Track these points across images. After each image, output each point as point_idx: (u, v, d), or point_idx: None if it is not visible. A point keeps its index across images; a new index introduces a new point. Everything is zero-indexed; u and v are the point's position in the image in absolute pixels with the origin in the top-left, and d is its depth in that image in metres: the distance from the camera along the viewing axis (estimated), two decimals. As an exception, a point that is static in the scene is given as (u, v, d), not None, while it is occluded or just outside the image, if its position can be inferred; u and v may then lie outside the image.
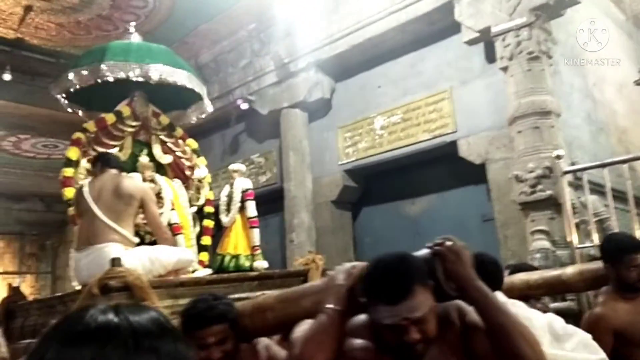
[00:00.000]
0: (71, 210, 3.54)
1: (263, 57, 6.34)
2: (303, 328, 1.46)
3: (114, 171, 3.26)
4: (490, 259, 2.10)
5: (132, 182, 3.32)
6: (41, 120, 7.50)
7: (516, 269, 2.78)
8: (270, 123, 6.31)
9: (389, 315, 1.27)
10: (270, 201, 6.32)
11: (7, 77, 6.32)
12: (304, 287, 1.82)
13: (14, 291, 3.40)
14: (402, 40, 5.27)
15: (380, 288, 1.30)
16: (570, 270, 2.66)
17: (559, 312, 2.60)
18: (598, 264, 2.54)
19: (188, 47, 6.64)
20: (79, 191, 3.27)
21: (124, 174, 3.37)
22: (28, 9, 5.74)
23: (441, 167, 5.25)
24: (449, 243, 1.38)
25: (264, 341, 1.96)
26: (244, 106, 6.34)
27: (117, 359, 0.59)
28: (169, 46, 6.47)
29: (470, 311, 1.38)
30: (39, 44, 6.47)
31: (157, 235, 3.36)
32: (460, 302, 1.42)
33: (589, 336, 1.84)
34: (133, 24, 4.38)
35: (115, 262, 2.43)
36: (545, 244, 3.91)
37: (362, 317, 1.41)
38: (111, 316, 0.63)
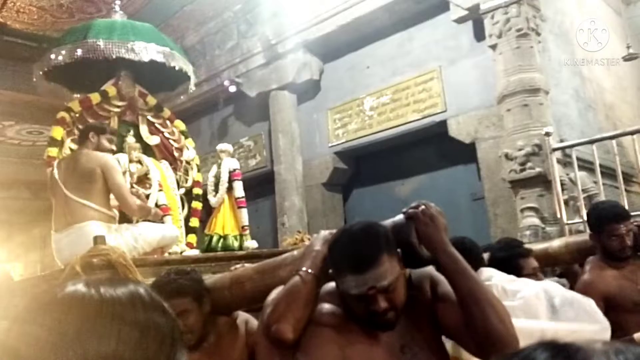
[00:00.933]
0: None
1: (250, 39, 6.25)
2: (277, 291, 1.46)
3: (82, 149, 3.20)
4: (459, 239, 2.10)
5: (89, 157, 3.16)
6: (25, 107, 7.37)
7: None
8: (258, 105, 6.25)
9: (355, 285, 1.26)
10: (261, 184, 6.30)
11: (-12, 62, 6.20)
12: (282, 257, 1.82)
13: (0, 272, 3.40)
14: (390, 20, 5.22)
15: (347, 257, 1.30)
16: (556, 243, 2.71)
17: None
18: (584, 236, 2.58)
19: (173, 29, 6.53)
20: (51, 172, 3.23)
21: (91, 150, 3.20)
22: (8, -8, 5.62)
23: (431, 147, 5.26)
24: (422, 207, 1.36)
25: (243, 315, 1.99)
26: (232, 89, 6.26)
27: (75, 326, 0.58)
28: (153, 28, 6.38)
29: (443, 281, 1.37)
30: (20, 28, 6.34)
31: (123, 207, 3.22)
32: (432, 271, 1.41)
33: (591, 302, 1.81)
34: (118, 2, 4.30)
35: (99, 240, 2.41)
36: (535, 220, 3.95)
37: (332, 284, 1.40)
38: (80, 287, 0.62)
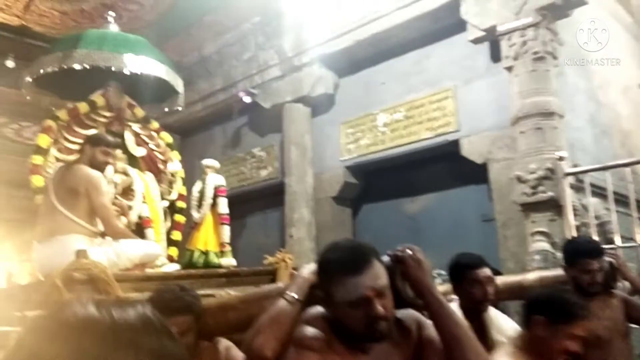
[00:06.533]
0: (38, 199, 3.45)
1: (267, 51, 6.31)
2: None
3: (77, 163, 3.19)
4: None
5: (77, 173, 3.11)
6: (41, 108, 7.46)
7: None
8: (272, 117, 6.28)
9: (354, 287, 1.30)
10: (271, 195, 6.31)
11: (10, 64, 6.31)
12: (269, 287, 1.88)
13: None
14: (407, 37, 5.24)
15: (342, 262, 1.35)
16: (531, 276, 2.72)
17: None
18: (558, 271, 2.60)
19: (192, 39, 6.62)
20: (45, 180, 3.26)
21: (81, 166, 3.17)
22: (32, -5, 5.73)
23: (442, 166, 5.24)
24: (409, 251, 1.43)
25: (225, 342, 1.98)
26: (247, 99, 6.31)
27: (94, 354, 0.57)
28: (172, 37, 6.48)
29: (429, 326, 1.42)
30: (42, 31, 6.44)
31: (106, 229, 3.16)
32: (419, 315, 1.47)
33: None
34: (112, 13, 4.37)
35: (81, 254, 2.40)
36: (545, 245, 3.90)
37: (317, 308, 1.44)
38: (91, 309, 0.61)
